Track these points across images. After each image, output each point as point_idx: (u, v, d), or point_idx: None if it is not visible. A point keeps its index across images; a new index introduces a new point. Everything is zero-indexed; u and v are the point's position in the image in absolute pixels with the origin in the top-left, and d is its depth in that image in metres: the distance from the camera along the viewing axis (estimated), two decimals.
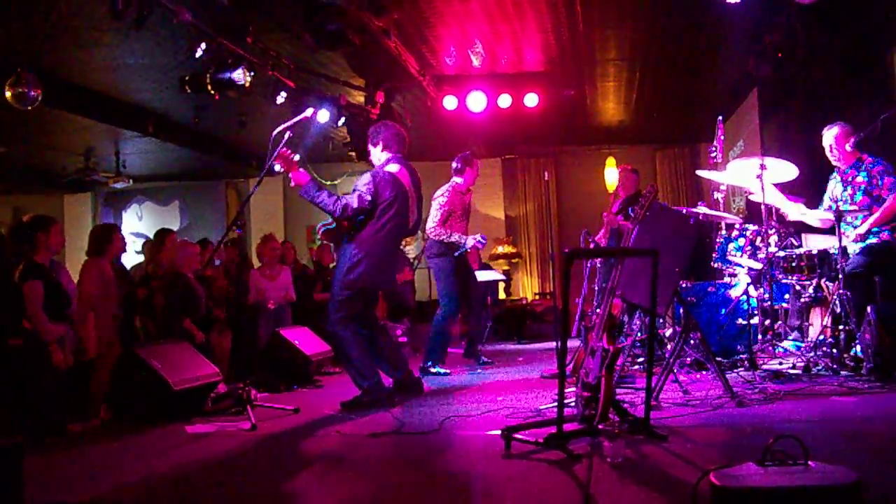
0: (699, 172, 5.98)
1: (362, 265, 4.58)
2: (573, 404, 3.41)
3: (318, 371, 6.39)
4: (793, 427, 3.15)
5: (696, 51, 7.92)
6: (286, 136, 4.36)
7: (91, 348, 4.89)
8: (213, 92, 6.59)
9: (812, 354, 4.63)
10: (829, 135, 5.06)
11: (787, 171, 5.14)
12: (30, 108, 6.77)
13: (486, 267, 10.34)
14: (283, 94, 7.51)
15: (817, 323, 5.08)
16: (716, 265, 5.44)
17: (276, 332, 6.19)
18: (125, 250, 6.23)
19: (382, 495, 2.68)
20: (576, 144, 12.27)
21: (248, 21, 6.51)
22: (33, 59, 6.95)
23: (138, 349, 4.68)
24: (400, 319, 8.99)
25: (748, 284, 5.14)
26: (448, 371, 6.08)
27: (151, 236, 7.48)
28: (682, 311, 4.71)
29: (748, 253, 5.19)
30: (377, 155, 4.96)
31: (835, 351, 4.52)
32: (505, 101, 8.76)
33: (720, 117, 6.35)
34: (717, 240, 5.39)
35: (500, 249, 11.98)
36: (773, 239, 5.11)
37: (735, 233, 5.29)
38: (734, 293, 5.26)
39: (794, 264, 4.91)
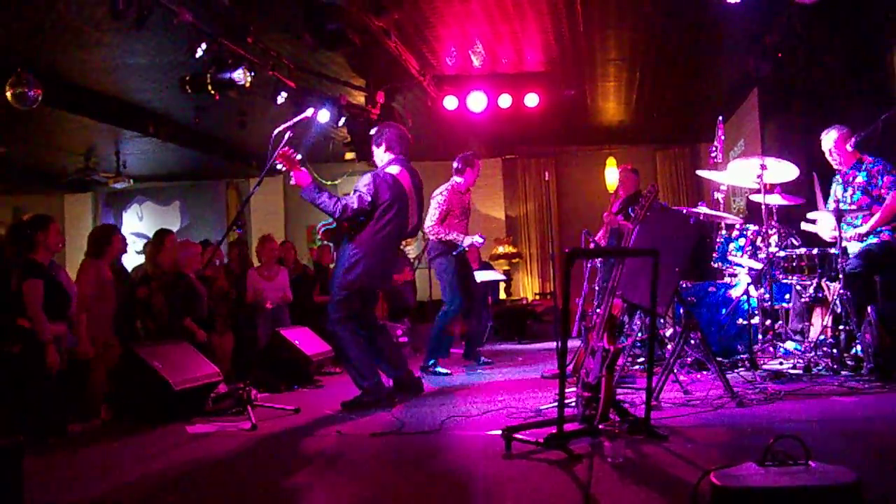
0: (699, 172, 5.98)
1: (360, 266, 4.58)
2: (573, 404, 3.41)
3: (319, 371, 6.39)
4: (793, 427, 3.15)
5: (696, 51, 7.92)
6: (286, 135, 4.36)
7: (84, 349, 4.88)
8: (213, 92, 6.59)
9: (812, 354, 4.62)
10: (828, 139, 5.06)
11: (787, 171, 5.14)
12: (30, 108, 6.78)
13: (487, 267, 10.33)
14: (284, 94, 7.51)
15: (818, 323, 5.08)
16: (716, 265, 5.44)
17: (276, 332, 6.19)
18: (126, 251, 6.22)
19: (382, 495, 2.68)
20: (576, 144, 12.27)
21: (249, 21, 6.51)
22: (33, 59, 6.95)
23: (138, 349, 4.68)
24: (400, 319, 9.00)
25: (748, 284, 5.14)
26: (448, 371, 6.08)
27: (151, 236, 7.48)
28: (682, 311, 4.71)
29: (748, 253, 5.19)
30: (380, 156, 4.96)
31: (835, 351, 4.52)
32: (505, 101, 8.76)
33: (720, 117, 6.34)
34: (718, 240, 5.39)
35: (501, 249, 11.98)
36: (774, 239, 5.11)
37: (735, 233, 5.29)
38: (735, 293, 5.26)
39: (794, 264, 4.90)
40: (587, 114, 10.37)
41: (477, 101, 8.71)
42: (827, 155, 5.11)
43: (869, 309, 4.23)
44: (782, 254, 4.97)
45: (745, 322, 5.00)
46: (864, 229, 4.76)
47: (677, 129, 11.33)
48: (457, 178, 6.44)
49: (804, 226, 5.19)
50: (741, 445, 2.97)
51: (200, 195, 13.20)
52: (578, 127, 11.01)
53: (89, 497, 2.88)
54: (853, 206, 4.88)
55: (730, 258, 5.29)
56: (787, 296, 5.33)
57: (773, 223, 5.17)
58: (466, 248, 6.27)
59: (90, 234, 5.78)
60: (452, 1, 6.63)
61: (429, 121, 9.44)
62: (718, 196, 5.91)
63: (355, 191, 4.62)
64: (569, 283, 3.00)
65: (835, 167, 5.14)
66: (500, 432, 3.14)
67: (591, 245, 6.31)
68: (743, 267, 5.26)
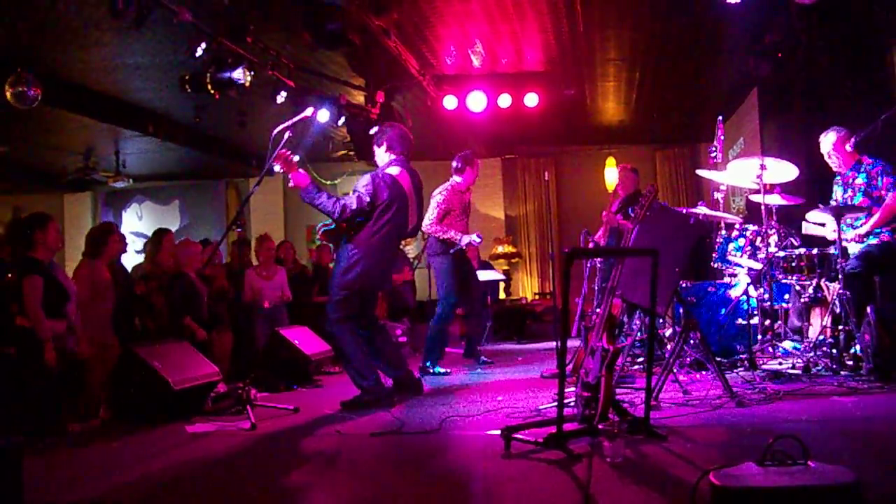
0: (699, 172, 5.98)
1: (359, 266, 4.58)
2: (573, 404, 3.41)
3: (318, 371, 6.39)
4: (792, 427, 3.15)
5: (696, 51, 7.92)
6: (286, 135, 4.35)
7: (80, 348, 4.88)
8: (213, 91, 6.59)
9: (812, 354, 4.63)
10: (827, 141, 5.05)
11: (787, 171, 5.14)
12: (30, 107, 6.77)
13: (487, 266, 10.33)
14: (283, 93, 7.51)
15: (817, 323, 5.08)
16: (716, 265, 5.44)
17: (275, 332, 6.19)
18: (125, 251, 6.21)
19: (382, 495, 2.69)
20: (576, 144, 12.26)
21: (248, 21, 6.50)
22: (33, 59, 6.95)
23: (138, 349, 4.68)
24: (400, 319, 9.00)
25: (748, 284, 5.14)
26: (448, 371, 6.08)
27: (150, 236, 7.47)
28: (682, 310, 4.71)
29: (748, 253, 5.19)
30: (381, 156, 4.96)
31: (834, 351, 4.52)
32: (505, 100, 8.76)
33: (720, 117, 6.34)
34: (717, 240, 5.39)
35: (500, 249, 11.98)
36: (773, 239, 5.11)
37: (735, 233, 5.29)
38: (734, 293, 5.26)
39: (793, 264, 4.91)
40: (587, 114, 10.37)
41: (477, 101, 8.71)
42: (826, 157, 5.10)
43: (868, 309, 4.23)
44: (782, 254, 4.98)
45: (744, 322, 5.00)
46: (863, 230, 4.76)
47: (677, 129, 11.33)
48: (456, 178, 6.44)
49: (810, 229, 5.14)
50: (740, 445, 2.98)
51: (200, 195, 13.20)
52: (578, 127, 11.00)
53: (89, 497, 2.88)
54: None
55: (729, 258, 5.29)
56: (787, 296, 5.33)
57: (772, 223, 5.17)
58: (464, 247, 6.27)
59: (87, 234, 5.76)
60: (452, 1, 6.63)
61: (428, 120, 9.44)
62: (718, 196, 5.92)
63: (354, 191, 4.62)
64: (568, 283, 3.00)
65: (834, 169, 5.14)
66: (499, 432, 3.14)
67: (591, 245, 6.31)
68: (742, 267, 5.26)
